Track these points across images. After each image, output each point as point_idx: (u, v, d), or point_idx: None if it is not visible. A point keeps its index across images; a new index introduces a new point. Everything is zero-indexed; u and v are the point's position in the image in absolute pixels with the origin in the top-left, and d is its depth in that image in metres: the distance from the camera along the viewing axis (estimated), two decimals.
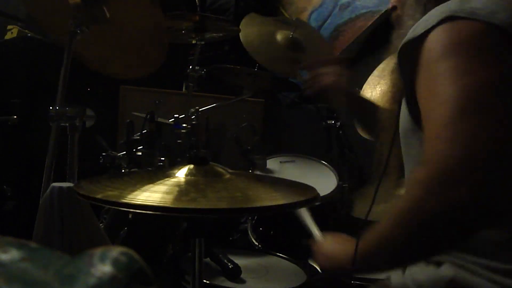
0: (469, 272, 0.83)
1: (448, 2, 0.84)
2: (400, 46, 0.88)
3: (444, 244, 0.77)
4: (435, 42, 0.81)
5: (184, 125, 1.95)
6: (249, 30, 2.11)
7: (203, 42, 2.05)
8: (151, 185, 0.79)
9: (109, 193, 0.76)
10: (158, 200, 0.73)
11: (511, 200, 0.71)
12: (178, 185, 0.80)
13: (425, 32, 0.82)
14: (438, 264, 0.87)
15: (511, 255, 0.82)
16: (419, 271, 0.90)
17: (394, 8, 1.11)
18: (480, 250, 0.83)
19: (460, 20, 0.79)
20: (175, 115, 2.00)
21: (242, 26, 2.09)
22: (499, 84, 0.74)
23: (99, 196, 0.74)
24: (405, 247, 0.78)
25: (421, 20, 0.87)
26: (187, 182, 0.82)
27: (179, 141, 1.93)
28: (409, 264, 0.91)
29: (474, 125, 0.71)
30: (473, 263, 0.84)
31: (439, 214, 0.72)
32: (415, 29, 0.85)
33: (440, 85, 0.77)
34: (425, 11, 0.92)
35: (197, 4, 1.98)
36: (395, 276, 0.97)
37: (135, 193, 0.75)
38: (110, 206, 1.23)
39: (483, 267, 0.83)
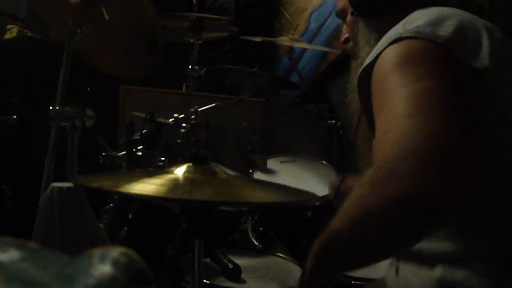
0: (457, 267, 0.84)
1: (397, 25, 0.91)
2: (358, 75, 0.95)
3: (392, 242, 0.76)
4: (382, 62, 0.87)
5: (184, 125, 1.95)
6: None
7: (200, 42, 2.05)
8: (147, 178, 0.81)
9: (105, 183, 0.77)
10: (153, 190, 0.74)
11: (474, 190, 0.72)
12: (174, 179, 0.81)
13: (376, 56, 0.89)
14: (431, 265, 0.87)
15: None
16: (411, 273, 0.90)
17: (347, 40, 1.17)
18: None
19: (405, 39, 0.86)
20: (175, 115, 1.99)
21: None
22: (439, 91, 0.79)
23: (94, 185, 0.75)
24: (352, 244, 0.78)
25: (375, 47, 0.93)
26: (184, 178, 0.82)
27: (179, 141, 1.93)
28: (366, 264, 0.91)
29: (413, 125, 0.74)
30: (462, 258, 0.84)
31: (376, 208, 0.72)
32: (370, 56, 0.92)
33: (386, 97, 0.82)
34: (380, 36, 0.97)
35: (194, 3, 1.97)
36: (389, 276, 0.98)
37: (131, 183, 0.77)
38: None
39: (467, 259, 0.84)
